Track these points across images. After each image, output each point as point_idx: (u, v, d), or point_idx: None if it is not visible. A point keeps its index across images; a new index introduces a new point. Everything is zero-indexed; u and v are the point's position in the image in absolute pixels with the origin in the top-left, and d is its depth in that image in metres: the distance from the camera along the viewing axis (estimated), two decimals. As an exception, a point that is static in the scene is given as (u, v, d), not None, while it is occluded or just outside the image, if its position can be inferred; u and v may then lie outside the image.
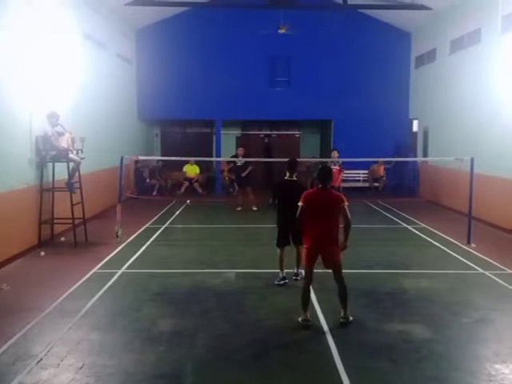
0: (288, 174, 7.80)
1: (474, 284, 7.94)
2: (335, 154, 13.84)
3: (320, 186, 6.27)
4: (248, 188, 15.01)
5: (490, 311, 6.64)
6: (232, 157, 15.49)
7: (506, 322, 6.36)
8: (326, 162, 15.33)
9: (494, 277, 8.15)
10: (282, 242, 7.85)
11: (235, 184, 16.24)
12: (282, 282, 7.75)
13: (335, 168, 13.26)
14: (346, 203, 6.08)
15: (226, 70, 18.21)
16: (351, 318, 6.19)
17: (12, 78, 9.20)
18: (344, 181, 19.02)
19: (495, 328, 6.17)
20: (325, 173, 6.36)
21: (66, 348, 5.45)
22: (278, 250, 7.89)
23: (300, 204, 6.18)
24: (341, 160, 13.81)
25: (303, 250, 6.28)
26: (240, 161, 14.91)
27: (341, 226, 6.18)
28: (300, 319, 6.15)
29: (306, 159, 19.19)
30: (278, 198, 7.84)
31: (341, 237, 6.17)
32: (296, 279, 7.84)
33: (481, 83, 13.30)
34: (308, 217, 6.13)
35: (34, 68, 9.96)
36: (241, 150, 15.27)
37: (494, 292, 7.47)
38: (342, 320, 6.15)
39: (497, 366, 5.11)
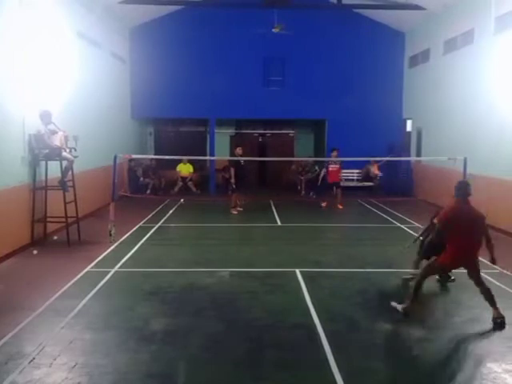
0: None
1: (467, 283, 7.93)
2: (335, 153, 15.19)
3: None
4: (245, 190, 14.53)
5: (482, 310, 6.66)
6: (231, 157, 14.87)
7: (499, 321, 6.39)
8: (324, 162, 15.80)
9: (487, 276, 8.14)
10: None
11: (234, 185, 14.31)
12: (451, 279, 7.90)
13: (336, 167, 15.25)
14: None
15: (220, 69, 18.18)
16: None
17: (5, 76, 9.14)
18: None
19: (488, 327, 6.20)
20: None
21: (58, 347, 5.43)
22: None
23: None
24: (340, 159, 15.19)
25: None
26: (243, 160, 14.24)
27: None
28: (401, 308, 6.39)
29: (301, 159, 19.30)
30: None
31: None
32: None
33: (474, 83, 13.37)
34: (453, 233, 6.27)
35: (27, 66, 9.90)
36: (240, 150, 14.32)
37: (487, 291, 7.49)
38: (497, 320, 6.17)
39: (489, 365, 5.14)
